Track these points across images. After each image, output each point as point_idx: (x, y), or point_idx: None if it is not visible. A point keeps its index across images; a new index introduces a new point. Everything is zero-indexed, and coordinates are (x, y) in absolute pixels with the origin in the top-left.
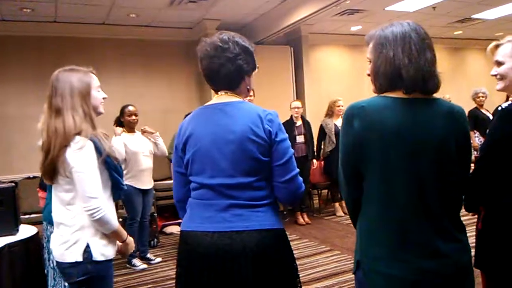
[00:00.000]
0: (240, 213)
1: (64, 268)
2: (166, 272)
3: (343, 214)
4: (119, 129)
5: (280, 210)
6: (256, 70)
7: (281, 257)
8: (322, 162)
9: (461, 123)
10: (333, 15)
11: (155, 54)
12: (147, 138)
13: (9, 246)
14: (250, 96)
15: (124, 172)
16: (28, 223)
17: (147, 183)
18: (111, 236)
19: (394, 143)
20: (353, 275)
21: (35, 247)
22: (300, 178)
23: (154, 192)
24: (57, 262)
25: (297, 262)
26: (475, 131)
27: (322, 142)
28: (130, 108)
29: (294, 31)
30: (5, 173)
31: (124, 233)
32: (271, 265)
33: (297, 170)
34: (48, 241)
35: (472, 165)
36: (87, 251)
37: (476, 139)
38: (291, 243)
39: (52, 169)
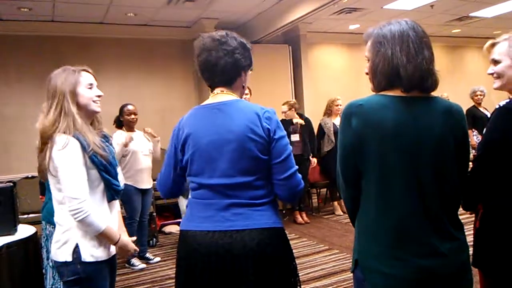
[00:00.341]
0: (241, 212)
1: (57, 267)
2: (165, 272)
3: (342, 213)
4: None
5: (279, 209)
6: (252, 69)
7: (282, 256)
8: (321, 161)
9: (459, 121)
10: (331, 13)
11: (153, 53)
12: (146, 138)
13: (7, 246)
14: (246, 94)
15: (123, 171)
16: (27, 223)
17: (146, 182)
18: (100, 237)
19: (392, 142)
20: (351, 274)
21: (34, 247)
22: (299, 175)
23: (153, 191)
24: (53, 260)
25: (296, 261)
26: (473, 129)
27: (321, 141)
28: (129, 107)
29: (292, 30)
30: (4, 173)
31: (115, 235)
32: (272, 263)
33: (296, 167)
34: (47, 240)
35: (470, 163)
36: (76, 251)
37: (474, 137)
38: (290, 242)
39: (41, 167)
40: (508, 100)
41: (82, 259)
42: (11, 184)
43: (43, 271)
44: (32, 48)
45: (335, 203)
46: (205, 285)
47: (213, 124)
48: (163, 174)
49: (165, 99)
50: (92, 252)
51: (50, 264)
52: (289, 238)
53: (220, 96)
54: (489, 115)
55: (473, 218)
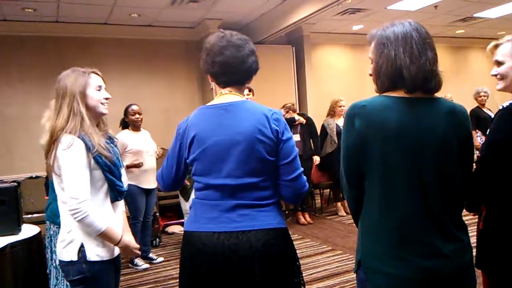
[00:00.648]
0: (247, 213)
1: (62, 266)
2: (168, 272)
3: (345, 214)
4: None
5: (282, 210)
6: None
7: (287, 256)
8: (323, 162)
9: (463, 122)
10: (334, 14)
11: (156, 53)
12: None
13: (11, 245)
14: (248, 95)
15: (127, 170)
16: (31, 223)
17: (150, 182)
18: (101, 238)
19: (396, 143)
20: (354, 275)
21: (38, 247)
22: (304, 177)
23: (157, 191)
24: (58, 259)
25: (300, 263)
26: (476, 130)
27: (324, 142)
28: (134, 107)
29: (296, 31)
30: (8, 173)
31: (116, 236)
32: (277, 264)
33: (302, 169)
34: (51, 240)
35: (474, 164)
36: (81, 250)
37: (478, 138)
38: (293, 243)
39: (48, 166)
40: (511, 101)
41: (87, 259)
42: (16, 184)
43: (47, 271)
44: (35, 48)
45: (338, 204)
46: (210, 286)
47: (221, 125)
48: (165, 168)
49: (169, 100)
50: (97, 252)
51: (54, 264)
52: (292, 238)
53: (228, 96)
54: (492, 116)
55: (477, 220)
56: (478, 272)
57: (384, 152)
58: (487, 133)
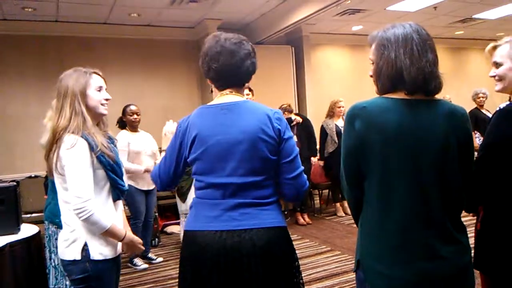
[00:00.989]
0: (248, 212)
1: (65, 266)
2: (168, 272)
3: (344, 215)
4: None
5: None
6: None
7: (287, 255)
8: (324, 162)
9: (463, 124)
10: (334, 15)
11: (156, 53)
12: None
13: (10, 245)
14: (248, 94)
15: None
16: (30, 222)
17: (149, 183)
18: (105, 236)
19: (395, 144)
20: (353, 276)
21: (37, 246)
22: (305, 176)
23: (156, 191)
24: (60, 258)
25: (299, 263)
26: (475, 131)
27: (324, 143)
28: (132, 107)
29: (295, 31)
30: (7, 172)
31: (120, 232)
32: (279, 262)
33: (302, 167)
34: (50, 240)
35: None
36: (85, 249)
37: (477, 139)
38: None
39: (49, 165)
40: (508, 103)
41: (91, 257)
42: (15, 183)
43: (46, 270)
44: (35, 48)
45: (337, 204)
46: (213, 285)
47: (223, 124)
48: (163, 167)
49: (168, 99)
50: (100, 250)
51: (53, 264)
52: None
53: (229, 96)
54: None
55: (475, 220)
56: (477, 273)
57: (384, 153)
58: (485, 134)
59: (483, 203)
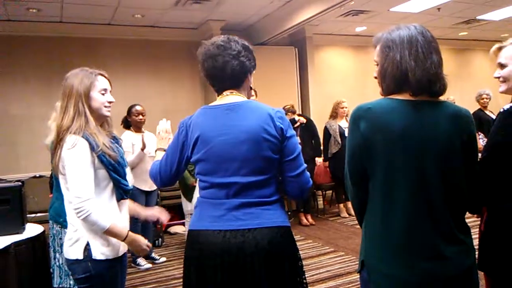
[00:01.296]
0: (252, 211)
1: (69, 265)
2: (171, 272)
3: (347, 215)
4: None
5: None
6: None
7: (291, 254)
8: (327, 163)
9: (467, 126)
10: (337, 16)
11: (159, 54)
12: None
13: (15, 244)
14: (252, 96)
15: None
16: (35, 222)
17: (151, 184)
18: (107, 235)
19: (400, 145)
20: (357, 277)
21: (41, 246)
22: (308, 173)
23: (158, 192)
24: (64, 257)
25: (302, 263)
26: (479, 132)
27: (328, 144)
28: (138, 108)
29: (299, 32)
30: (12, 172)
31: (121, 232)
32: (282, 261)
33: (305, 165)
34: (54, 239)
35: None
36: (87, 249)
37: (481, 140)
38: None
39: (54, 165)
40: (511, 104)
41: (93, 257)
42: (20, 183)
43: (51, 270)
44: (40, 48)
45: (341, 205)
46: (217, 284)
47: (226, 125)
48: (164, 165)
49: (172, 100)
50: (102, 250)
51: (57, 263)
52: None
53: (230, 97)
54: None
55: (479, 222)
56: (480, 274)
57: (389, 154)
58: (489, 135)
59: (487, 204)
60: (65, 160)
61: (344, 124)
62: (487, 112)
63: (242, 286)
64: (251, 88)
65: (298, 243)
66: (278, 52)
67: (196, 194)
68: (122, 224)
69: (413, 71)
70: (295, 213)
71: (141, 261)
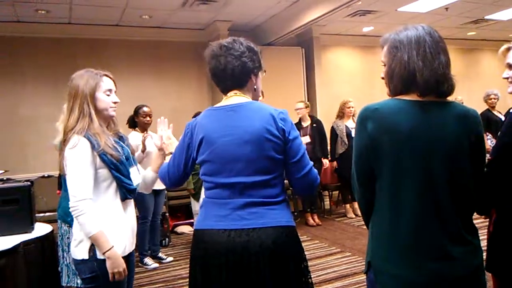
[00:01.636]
0: (256, 211)
1: (76, 264)
2: (178, 271)
3: (353, 216)
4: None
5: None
6: (264, 72)
7: (296, 254)
8: (334, 163)
9: (475, 126)
10: (344, 16)
11: (166, 55)
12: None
13: (24, 243)
14: (259, 96)
15: None
16: (43, 221)
17: (159, 183)
18: (116, 235)
19: (407, 146)
20: (363, 278)
21: (50, 245)
22: (315, 170)
23: (166, 192)
24: (71, 257)
25: (308, 263)
26: (487, 133)
27: (335, 144)
28: (145, 109)
29: (306, 32)
30: (20, 172)
31: (105, 244)
32: (287, 261)
33: (311, 163)
34: (62, 239)
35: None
36: (92, 249)
37: (489, 141)
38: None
39: (60, 165)
40: None
41: (98, 257)
42: (29, 183)
43: (59, 269)
44: (48, 49)
45: (347, 205)
46: (222, 283)
47: (229, 125)
48: (172, 166)
49: (179, 101)
50: None
51: (65, 262)
52: (300, 240)
53: (234, 98)
54: (503, 119)
55: (487, 223)
56: (488, 276)
57: (396, 155)
58: (498, 136)
59: (496, 205)
60: (66, 160)
61: (351, 124)
62: (495, 113)
63: (246, 286)
64: (255, 90)
65: (304, 244)
66: (285, 53)
67: (203, 195)
68: (127, 225)
69: (421, 72)
70: (302, 213)
71: (148, 260)
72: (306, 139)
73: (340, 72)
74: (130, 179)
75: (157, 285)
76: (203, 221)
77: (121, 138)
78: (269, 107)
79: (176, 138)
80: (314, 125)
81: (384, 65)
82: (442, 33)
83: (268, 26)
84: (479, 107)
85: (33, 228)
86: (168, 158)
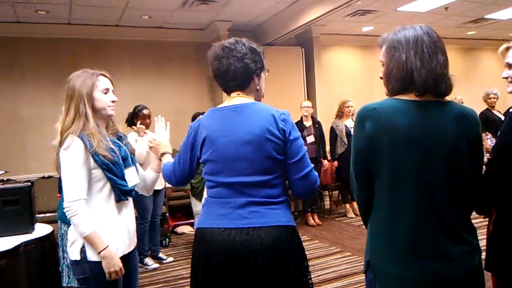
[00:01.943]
0: (257, 210)
1: (71, 265)
2: (178, 272)
3: (353, 216)
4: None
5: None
6: (267, 73)
7: (296, 254)
8: (334, 163)
9: (473, 126)
10: (344, 16)
11: (167, 55)
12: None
13: (25, 244)
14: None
15: None
16: (44, 222)
17: (158, 184)
18: (86, 241)
19: (405, 145)
20: (363, 277)
21: (51, 246)
22: (315, 173)
23: (165, 192)
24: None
25: (308, 263)
26: (487, 132)
27: (334, 144)
28: (145, 112)
29: (305, 32)
30: (21, 173)
31: (99, 243)
32: (287, 260)
33: (311, 165)
34: (62, 239)
35: (484, 167)
36: (83, 250)
37: (488, 140)
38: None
39: (56, 166)
40: None
41: (88, 259)
42: (29, 183)
43: (60, 269)
44: (48, 50)
45: (347, 205)
46: (223, 281)
47: (231, 125)
48: (177, 164)
49: (179, 101)
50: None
51: (66, 262)
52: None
53: (237, 99)
54: (503, 118)
55: (487, 222)
56: (488, 275)
57: (394, 155)
58: (497, 136)
59: (496, 205)
60: (60, 160)
61: (350, 123)
62: (495, 112)
63: (247, 284)
64: (257, 90)
65: (304, 243)
66: (284, 52)
67: (205, 195)
68: (123, 226)
69: (419, 71)
70: (302, 213)
71: (148, 261)
72: (310, 139)
73: (340, 72)
74: (124, 180)
75: (158, 285)
76: (204, 220)
77: (120, 138)
78: (271, 108)
79: (176, 138)
80: (316, 125)
81: (383, 65)
82: (441, 32)
83: (268, 26)
84: (479, 107)
85: (33, 229)
86: (165, 158)
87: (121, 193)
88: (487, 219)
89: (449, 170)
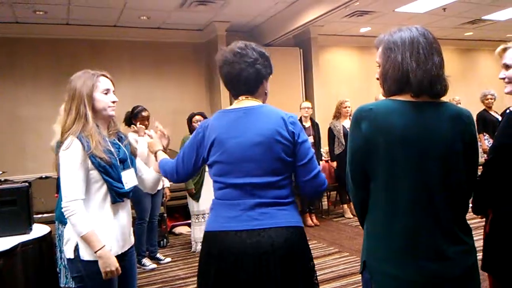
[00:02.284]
0: (267, 211)
1: (67, 263)
2: (176, 272)
3: (351, 216)
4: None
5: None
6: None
7: (305, 254)
8: (334, 164)
9: (468, 126)
10: (342, 16)
11: (165, 55)
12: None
13: (23, 244)
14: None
15: None
16: (41, 223)
17: None
18: (84, 240)
19: (401, 146)
20: (361, 277)
21: (48, 246)
22: (323, 174)
23: (163, 192)
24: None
25: (314, 263)
26: (484, 133)
27: (332, 145)
28: (144, 113)
29: (303, 33)
30: (18, 173)
31: (96, 243)
32: (296, 261)
33: (319, 167)
34: (60, 240)
35: (481, 167)
36: (76, 249)
37: (486, 141)
38: None
39: (55, 166)
40: None
41: (82, 258)
42: (27, 184)
43: (57, 269)
44: (47, 50)
45: (345, 206)
46: (235, 283)
47: (241, 127)
48: (181, 163)
49: (177, 101)
50: (90, 251)
51: (64, 263)
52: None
53: (245, 102)
54: (500, 119)
55: (483, 222)
56: (484, 275)
57: (390, 155)
58: (495, 136)
59: (492, 205)
60: (59, 161)
61: (348, 124)
62: (492, 113)
63: (258, 285)
64: (266, 94)
65: None
66: (283, 53)
67: (204, 194)
68: (118, 228)
69: (414, 72)
70: (300, 213)
71: (146, 261)
72: (310, 140)
73: (338, 73)
74: (121, 182)
75: (155, 286)
76: (213, 222)
77: (120, 139)
78: (280, 111)
79: (175, 138)
80: (315, 126)
81: (379, 66)
82: (439, 33)
83: (266, 27)
84: (476, 107)
85: (31, 229)
86: (161, 155)
87: (117, 195)
88: (484, 219)
89: (444, 171)
